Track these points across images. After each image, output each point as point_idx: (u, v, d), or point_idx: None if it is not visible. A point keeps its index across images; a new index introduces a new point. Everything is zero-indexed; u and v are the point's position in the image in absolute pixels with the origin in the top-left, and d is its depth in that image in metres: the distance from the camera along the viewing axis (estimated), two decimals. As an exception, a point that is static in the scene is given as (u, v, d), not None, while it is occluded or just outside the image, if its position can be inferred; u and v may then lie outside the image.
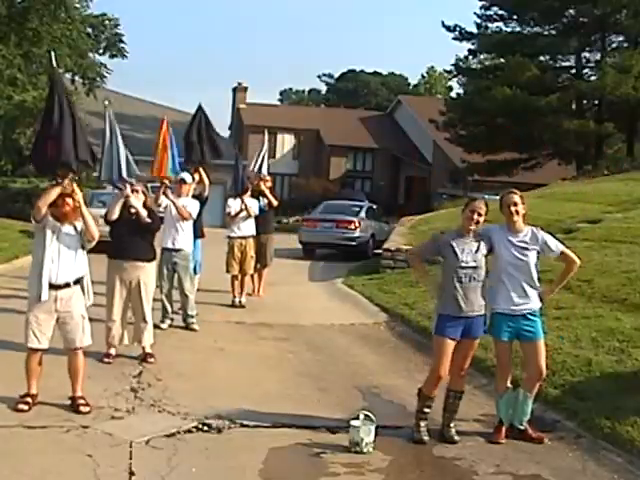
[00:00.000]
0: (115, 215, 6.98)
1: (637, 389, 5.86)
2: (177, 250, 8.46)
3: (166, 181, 8.39)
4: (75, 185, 5.43)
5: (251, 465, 4.64)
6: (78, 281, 5.49)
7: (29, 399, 5.37)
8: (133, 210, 6.98)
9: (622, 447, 5.04)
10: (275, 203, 11.18)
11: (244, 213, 10.37)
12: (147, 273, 7.14)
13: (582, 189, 19.39)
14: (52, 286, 5.34)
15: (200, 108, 9.28)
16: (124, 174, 6.85)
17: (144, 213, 7.00)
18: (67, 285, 5.39)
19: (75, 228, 5.45)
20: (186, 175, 8.74)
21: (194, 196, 8.88)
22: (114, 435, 4.96)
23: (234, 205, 10.45)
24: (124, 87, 63.79)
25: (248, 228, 10.44)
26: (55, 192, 5.33)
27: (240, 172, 10.84)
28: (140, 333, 7.07)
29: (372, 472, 4.69)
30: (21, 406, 5.31)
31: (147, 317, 7.10)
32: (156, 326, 7.99)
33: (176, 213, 8.37)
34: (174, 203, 8.33)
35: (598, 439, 5.22)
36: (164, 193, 8.36)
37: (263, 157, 11.35)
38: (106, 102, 7.19)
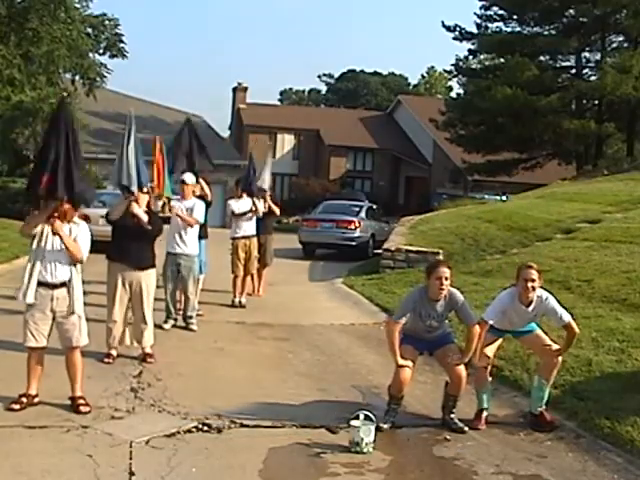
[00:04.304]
0: (116, 216, 6.99)
1: (637, 389, 5.87)
2: (182, 254, 8.47)
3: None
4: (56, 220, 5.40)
5: (251, 465, 4.64)
6: (71, 280, 5.46)
7: (23, 399, 5.37)
8: (134, 217, 6.99)
9: (622, 447, 5.05)
10: (278, 212, 11.50)
11: (250, 213, 10.38)
12: (148, 276, 7.13)
13: (582, 189, 19.40)
14: (48, 285, 5.35)
15: (188, 121, 9.41)
16: (131, 184, 6.82)
17: (145, 218, 6.99)
18: (63, 284, 5.38)
19: (70, 229, 5.45)
20: (187, 176, 8.74)
21: (199, 196, 8.92)
22: (114, 435, 4.96)
23: (236, 205, 10.43)
24: (124, 87, 63.79)
25: (250, 228, 10.44)
26: (39, 220, 5.36)
27: (253, 173, 10.81)
28: (140, 334, 7.07)
29: (372, 472, 4.69)
30: (13, 405, 5.30)
31: (147, 319, 7.10)
32: (159, 326, 8.00)
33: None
34: (179, 216, 8.40)
35: (598, 439, 5.23)
36: (169, 208, 8.46)
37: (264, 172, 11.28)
38: (131, 109, 7.21)
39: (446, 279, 5.45)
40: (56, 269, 5.36)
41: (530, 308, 5.56)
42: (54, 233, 5.34)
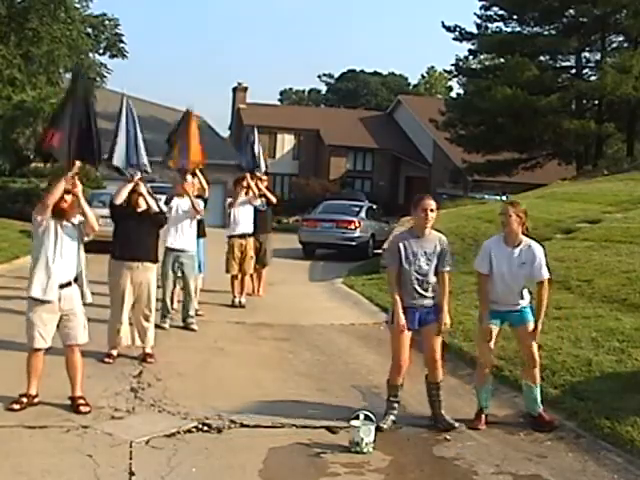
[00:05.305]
0: (121, 199, 6.94)
1: (637, 389, 5.86)
2: (182, 250, 8.47)
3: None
4: (77, 179, 5.46)
5: (251, 465, 4.64)
6: (77, 278, 5.49)
7: (24, 399, 5.36)
8: (142, 203, 6.99)
9: (622, 447, 5.04)
10: (274, 200, 11.14)
11: (244, 200, 10.33)
12: (153, 274, 7.16)
13: (582, 189, 19.39)
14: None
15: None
16: (142, 160, 6.80)
17: (152, 202, 7.00)
18: (69, 284, 5.39)
19: (73, 225, 5.46)
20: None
21: (197, 196, 8.93)
22: (114, 435, 4.96)
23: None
24: (124, 87, 63.80)
25: (247, 225, 10.37)
26: (61, 188, 5.34)
27: (253, 150, 10.74)
28: (144, 334, 7.07)
29: (372, 472, 4.69)
30: (13, 405, 5.30)
31: (151, 318, 7.12)
32: (157, 326, 8.00)
33: (185, 211, 8.42)
34: (190, 197, 8.42)
35: (598, 439, 5.22)
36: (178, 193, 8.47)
37: (259, 154, 11.15)
38: (125, 95, 7.16)
39: (432, 211, 5.38)
40: (65, 268, 5.37)
41: (516, 250, 5.52)
42: (68, 220, 5.38)
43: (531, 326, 5.63)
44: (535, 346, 5.61)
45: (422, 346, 5.63)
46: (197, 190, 8.98)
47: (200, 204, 8.63)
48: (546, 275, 5.55)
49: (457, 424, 5.45)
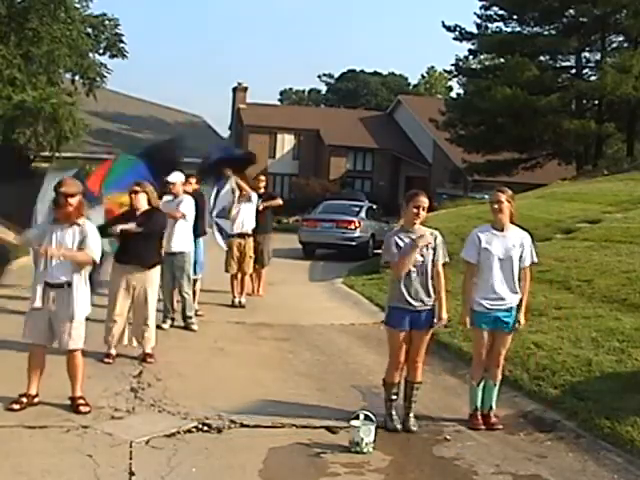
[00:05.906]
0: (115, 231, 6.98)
1: (637, 389, 5.87)
2: (174, 253, 8.43)
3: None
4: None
5: (251, 465, 4.64)
6: (71, 284, 5.37)
7: (23, 399, 5.36)
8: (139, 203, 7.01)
9: (622, 447, 5.04)
10: (280, 202, 11.52)
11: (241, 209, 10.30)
12: (153, 277, 7.12)
13: (582, 189, 19.40)
14: (47, 284, 5.32)
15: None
16: None
17: (131, 226, 6.92)
18: (60, 286, 5.34)
19: (73, 233, 5.41)
20: (171, 176, 8.56)
21: (191, 194, 8.93)
22: (114, 435, 4.96)
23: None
24: (124, 87, 63.89)
25: (246, 225, 10.30)
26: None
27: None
28: (141, 335, 7.05)
29: (372, 472, 4.69)
30: (13, 405, 5.30)
31: (150, 320, 7.09)
32: (158, 326, 7.99)
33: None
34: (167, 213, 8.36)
35: (598, 439, 5.22)
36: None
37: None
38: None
39: (423, 209, 5.37)
40: (56, 270, 5.32)
41: (506, 234, 5.56)
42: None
43: (510, 335, 5.69)
44: (504, 352, 5.69)
45: (412, 343, 5.52)
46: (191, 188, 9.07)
47: (187, 205, 8.56)
48: (535, 260, 5.68)
49: (414, 427, 5.42)
